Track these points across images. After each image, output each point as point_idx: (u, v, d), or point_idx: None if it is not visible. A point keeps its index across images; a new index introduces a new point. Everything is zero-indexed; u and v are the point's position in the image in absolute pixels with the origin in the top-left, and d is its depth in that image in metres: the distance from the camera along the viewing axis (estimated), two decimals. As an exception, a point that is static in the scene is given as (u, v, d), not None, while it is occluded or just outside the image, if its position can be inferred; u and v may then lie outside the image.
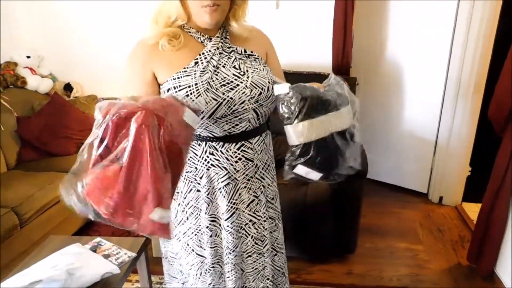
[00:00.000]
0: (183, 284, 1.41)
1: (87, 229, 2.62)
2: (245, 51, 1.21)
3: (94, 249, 1.60)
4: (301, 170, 1.08)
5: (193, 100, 1.10)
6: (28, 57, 2.92)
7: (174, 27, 1.16)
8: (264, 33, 1.35)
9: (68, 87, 3.09)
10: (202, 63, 1.15)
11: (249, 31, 1.24)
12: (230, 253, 1.30)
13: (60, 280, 1.32)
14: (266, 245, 1.35)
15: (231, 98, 1.14)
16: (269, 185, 1.34)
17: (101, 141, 0.88)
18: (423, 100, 2.94)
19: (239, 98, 1.15)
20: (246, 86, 1.16)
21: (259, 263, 1.37)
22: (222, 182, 1.23)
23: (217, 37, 1.18)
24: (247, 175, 1.25)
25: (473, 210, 2.83)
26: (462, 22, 2.62)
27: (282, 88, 1.06)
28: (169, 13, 1.16)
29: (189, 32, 1.19)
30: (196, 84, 1.12)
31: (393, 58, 3.04)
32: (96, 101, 3.07)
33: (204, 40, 1.18)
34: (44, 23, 3.04)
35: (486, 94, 2.67)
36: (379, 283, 2.17)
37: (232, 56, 1.19)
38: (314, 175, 1.09)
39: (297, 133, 1.05)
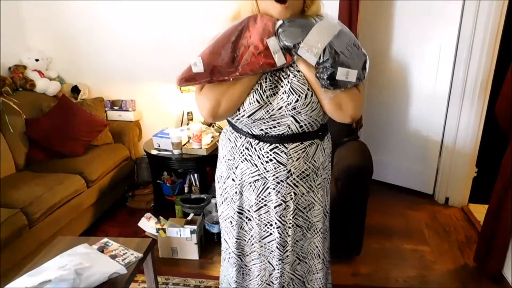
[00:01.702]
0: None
1: (94, 229, 2.65)
2: None
3: (101, 250, 1.62)
4: (341, 73, 1.11)
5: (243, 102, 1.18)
6: (37, 60, 2.96)
7: None
8: None
9: (75, 90, 3.13)
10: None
11: None
12: (256, 243, 1.35)
13: (68, 280, 1.34)
14: (287, 251, 1.36)
15: (271, 103, 1.17)
16: (303, 194, 1.31)
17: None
18: (429, 100, 2.93)
19: (277, 104, 1.17)
20: (284, 91, 1.17)
21: (278, 269, 1.39)
22: (252, 177, 1.28)
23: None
24: (277, 177, 1.26)
25: (479, 211, 2.82)
26: (468, 21, 2.61)
27: (277, 24, 1.14)
28: (245, 12, 1.20)
29: None
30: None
31: (398, 58, 3.03)
32: (102, 103, 3.10)
33: None
34: (53, 27, 3.08)
35: (492, 94, 2.65)
36: (385, 284, 2.17)
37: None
38: (352, 73, 1.12)
39: (311, 46, 1.10)
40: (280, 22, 1.13)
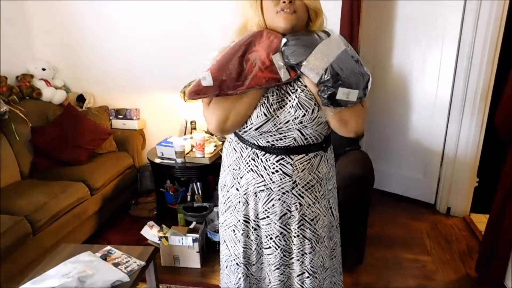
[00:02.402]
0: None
1: (97, 237, 2.67)
2: None
3: (104, 257, 1.64)
4: (342, 93, 1.13)
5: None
6: (44, 69, 3.02)
7: None
8: None
9: (81, 98, 3.18)
10: None
11: None
12: (262, 250, 1.37)
13: (71, 287, 1.36)
14: (292, 258, 1.38)
15: (278, 116, 1.20)
16: (309, 205, 1.32)
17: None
18: (430, 110, 2.95)
19: (284, 117, 1.20)
20: (292, 105, 1.19)
21: (285, 275, 1.40)
22: (258, 187, 1.30)
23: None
24: (282, 188, 1.28)
25: (481, 221, 2.82)
26: (468, 31, 2.64)
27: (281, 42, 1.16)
28: (251, 22, 1.22)
29: None
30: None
31: (399, 68, 3.06)
32: (107, 111, 3.14)
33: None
34: (59, 37, 3.15)
35: (492, 104, 2.67)
36: (386, 294, 2.17)
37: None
38: (353, 93, 1.14)
39: (313, 65, 1.12)
40: (284, 40, 1.16)
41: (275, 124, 1.20)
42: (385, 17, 3.04)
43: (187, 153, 2.69)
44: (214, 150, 2.69)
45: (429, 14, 2.80)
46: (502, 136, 2.04)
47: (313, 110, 1.19)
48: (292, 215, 1.32)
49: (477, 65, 2.65)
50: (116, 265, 1.59)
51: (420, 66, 2.95)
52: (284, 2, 1.15)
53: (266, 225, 1.34)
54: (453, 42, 2.73)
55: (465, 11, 2.62)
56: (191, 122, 3.03)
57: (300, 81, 1.20)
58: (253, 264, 1.42)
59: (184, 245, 2.30)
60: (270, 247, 1.36)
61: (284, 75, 1.15)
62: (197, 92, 1.17)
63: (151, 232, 2.42)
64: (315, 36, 1.17)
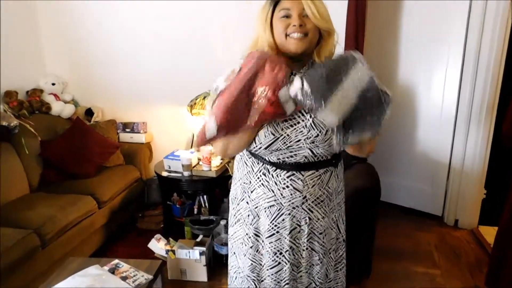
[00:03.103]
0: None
1: (105, 249, 2.68)
2: None
3: (112, 271, 1.65)
4: (353, 139, 1.11)
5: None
6: (53, 84, 3.08)
7: None
8: None
9: (89, 112, 3.22)
10: None
11: None
12: (267, 270, 1.36)
13: (81, 301, 1.37)
14: (300, 271, 1.38)
15: (288, 135, 1.19)
16: (318, 219, 1.32)
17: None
18: (436, 122, 2.95)
19: (295, 136, 1.19)
20: (305, 125, 1.19)
21: None
22: (268, 202, 1.30)
23: (301, 72, 1.19)
24: (292, 203, 1.28)
25: (490, 233, 2.78)
26: (472, 45, 2.66)
27: (295, 85, 1.08)
28: (261, 39, 1.21)
29: None
30: None
31: (404, 82, 3.08)
32: (115, 125, 3.18)
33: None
34: (69, 53, 3.22)
35: (498, 115, 2.67)
36: (394, 308, 2.15)
37: None
38: (365, 135, 1.12)
39: (328, 116, 1.07)
40: (298, 80, 1.08)
41: (284, 143, 1.20)
42: (390, 31, 3.07)
43: (194, 166, 2.71)
44: (221, 163, 2.71)
45: (434, 27, 2.83)
46: (509, 147, 2.04)
47: (326, 131, 1.18)
48: (302, 229, 1.32)
49: (482, 76, 2.67)
50: (124, 278, 1.60)
51: (425, 78, 2.96)
52: (294, 25, 1.14)
53: (275, 241, 1.33)
54: (458, 54, 2.75)
55: (469, 23, 2.65)
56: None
57: None
58: (262, 281, 1.40)
59: (191, 258, 2.30)
60: (279, 263, 1.35)
61: (289, 109, 1.13)
62: (205, 142, 1.17)
63: (158, 245, 2.42)
64: (333, 67, 1.08)
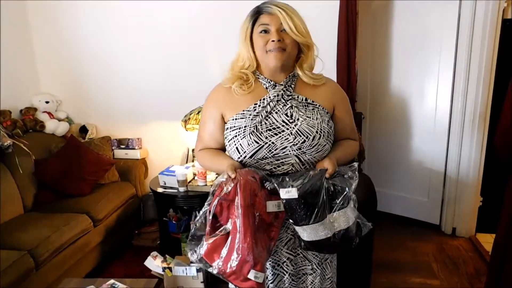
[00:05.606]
0: None
1: (101, 268, 2.64)
2: (305, 100, 1.26)
3: (108, 292, 1.62)
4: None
5: (239, 141, 1.21)
6: (47, 102, 3.07)
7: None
8: (339, 87, 1.39)
9: (83, 129, 3.22)
10: (258, 107, 1.23)
11: (316, 80, 1.28)
12: (268, 285, 1.35)
13: (75, 324, 1.34)
14: (299, 279, 1.37)
15: (273, 142, 1.20)
16: None
17: (213, 216, 1.18)
18: (430, 132, 2.97)
19: (281, 143, 1.20)
20: (290, 133, 1.20)
21: None
22: None
23: (281, 84, 1.24)
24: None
25: (488, 241, 2.79)
26: (462, 55, 2.70)
27: (290, 193, 1.14)
28: (243, 60, 1.25)
29: (259, 78, 1.27)
30: (245, 126, 1.21)
31: (397, 91, 3.11)
32: (109, 142, 3.17)
33: (268, 86, 1.25)
34: (63, 71, 3.22)
35: (491, 122, 2.69)
36: (395, 321, 2.12)
37: (288, 104, 1.24)
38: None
39: (311, 232, 1.17)
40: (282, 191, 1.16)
41: (270, 150, 1.20)
42: (380, 41, 3.11)
43: (189, 182, 2.69)
44: (216, 178, 2.69)
45: (424, 37, 2.87)
46: (502, 156, 2.04)
47: (313, 137, 1.20)
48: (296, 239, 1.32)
49: (473, 85, 2.70)
50: (120, 299, 1.58)
51: (418, 90, 2.99)
52: (273, 41, 1.17)
53: (272, 254, 1.32)
54: (449, 64, 2.78)
55: (459, 32, 2.68)
56: (193, 150, 3.05)
57: (302, 111, 1.22)
58: None
59: (188, 275, 2.28)
60: (278, 275, 1.34)
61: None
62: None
63: (154, 262, 2.39)
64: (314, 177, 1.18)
